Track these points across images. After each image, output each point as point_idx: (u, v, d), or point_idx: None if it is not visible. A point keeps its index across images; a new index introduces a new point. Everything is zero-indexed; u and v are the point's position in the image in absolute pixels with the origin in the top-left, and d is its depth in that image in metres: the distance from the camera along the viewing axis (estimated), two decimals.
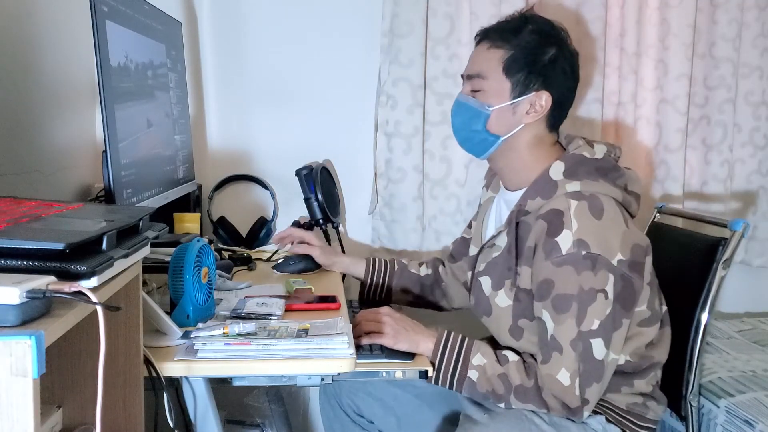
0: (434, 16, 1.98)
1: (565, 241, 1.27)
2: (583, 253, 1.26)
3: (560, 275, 1.27)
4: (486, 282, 1.44)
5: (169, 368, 1.11)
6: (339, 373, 1.15)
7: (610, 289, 1.27)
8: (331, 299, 1.44)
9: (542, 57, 1.38)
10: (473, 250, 1.56)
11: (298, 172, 1.98)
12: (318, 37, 2.04)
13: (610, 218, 1.29)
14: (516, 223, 1.38)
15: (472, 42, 1.97)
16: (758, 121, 2.17)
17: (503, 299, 1.39)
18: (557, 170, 1.37)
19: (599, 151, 1.40)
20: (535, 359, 1.32)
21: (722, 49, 2.09)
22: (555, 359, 1.27)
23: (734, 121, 2.14)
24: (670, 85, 2.07)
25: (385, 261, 1.74)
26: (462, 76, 1.48)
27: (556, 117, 1.43)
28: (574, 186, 1.33)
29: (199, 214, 1.88)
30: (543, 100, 1.39)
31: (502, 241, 1.41)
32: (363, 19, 2.03)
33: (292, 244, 1.78)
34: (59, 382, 1.02)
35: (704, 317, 1.49)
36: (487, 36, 1.43)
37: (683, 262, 1.50)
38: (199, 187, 1.99)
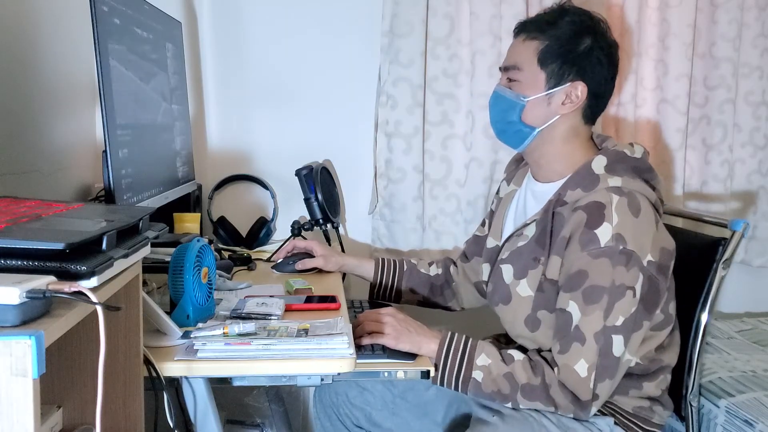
0: (434, 16, 1.98)
1: (604, 233, 1.27)
2: (621, 248, 1.26)
3: (595, 267, 1.27)
4: (508, 270, 1.43)
5: (169, 368, 1.10)
6: (339, 373, 1.15)
7: (638, 288, 1.27)
8: (331, 299, 1.44)
9: (577, 47, 1.38)
10: (491, 242, 1.56)
11: (298, 172, 1.98)
12: (318, 37, 2.04)
13: (645, 218, 1.30)
14: (552, 213, 1.37)
15: (472, 42, 1.99)
16: (758, 121, 2.17)
17: (525, 289, 1.39)
18: (599, 164, 1.36)
19: (638, 151, 1.40)
20: (543, 357, 1.32)
21: (722, 49, 2.09)
22: (575, 349, 1.27)
23: (734, 121, 2.14)
24: (670, 85, 2.07)
25: (395, 261, 1.73)
26: (500, 68, 1.48)
27: (593, 108, 1.43)
28: (615, 181, 1.33)
29: (199, 214, 1.88)
30: (578, 90, 1.38)
31: (530, 231, 1.41)
32: (363, 19, 2.03)
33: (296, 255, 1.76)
34: (59, 382, 1.02)
35: (704, 317, 1.48)
36: (524, 28, 1.43)
37: (683, 262, 1.50)
38: (199, 187, 1.99)
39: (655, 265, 1.29)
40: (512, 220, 1.52)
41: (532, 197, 1.48)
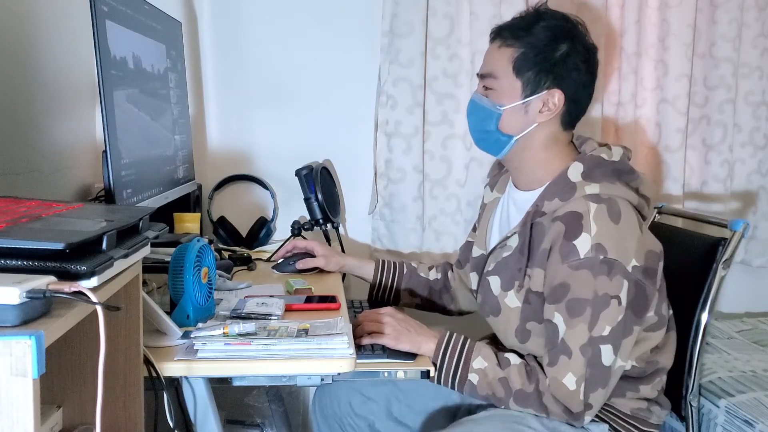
0: (434, 16, 1.98)
1: (583, 244, 1.25)
2: (601, 257, 1.24)
3: (576, 279, 1.25)
4: (495, 282, 1.42)
5: (169, 368, 1.10)
6: (339, 373, 1.15)
7: (623, 295, 1.26)
8: (331, 299, 1.44)
9: (553, 54, 1.35)
10: (476, 251, 1.55)
11: (298, 172, 1.98)
12: (318, 36, 2.04)
13: (627, 223, 1.28)
14: (530, 224, 1.35)
15: (472, 42, 1.99)
16: (758, 121, 2.17)
17: (513, 300, 1.38)
18: (575, 171, 1.34)
19: (616, 154, 1.38)
20: (539, 363, 1.32)
21: (722, 49, 2.09)
22: (562, 363, 1.26)
23: (734, 121, 2.14)
24: (670, 85, 2.07)
25: (395, 263, 1.73)
26: (477, 74, 1.46)
27: (572, 115, 1.40)
28: (593, 188, 1.31)
29: (199, 214, 1.88)
30: (555, 98, 1.36)
31: (514, 242, 1.39)
32: (363, 19, 2.03)
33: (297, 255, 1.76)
34: (59, 382, 1.02)
35: (704, 317, 1.48)
36: (499, 34, 1.40)
37: (683, 262, 1.50)
38: (199, 187, 1.99)
39: (641, 269, 1.28)
40: (497, 230, 1.50)
41: (513, 206, 1.46)
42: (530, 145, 1.40)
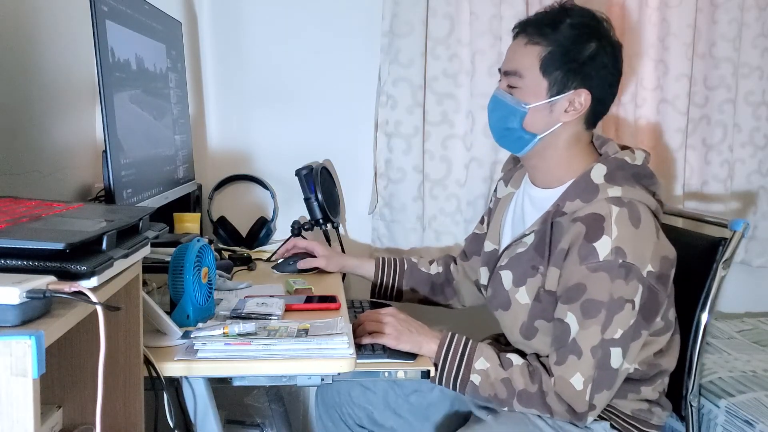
0: (434, 16, 1.98)
1: (603, 247, 1.25)
2: (620, 261, 1.24)
3: (594, 281, 1.25)
4: (507, 276, 1.41)
5: (169, 368, 1.11)
6: (339, 373, 1.15)
7: (637, 299, 1.26)
8: (331, 299, 1.44)
9: (581, 54, 1.33)
10: (489, 246, 1.55)
11: (298, 172, 1.98)
12: (318, 36, 2.04)
13: (646, 228, 1.27)
14: (550, 223, 1.35)
15: (472, 42, 1.99)
16: (758, 121, 2.17)
17: (524, 296, 1.37)
18: (599, 173, 1.33)
19: (639, 157, 1.37)
20: (542, 363, 1.31)
21: (722, 49, 2.09)
22: (571, 362, 1.26)
23: (734, 121, 2.14)
24: (670, 85, 2.07)
25: (395, 260, 1.72)
26: (499, 69, 1.43)
27: (596, 114, 1.39)
28: (615, 191, 1.30)
29: (199, 214, 1.88)
30: (582, 98, 1.34)
31: (529, 238, 1.39)
32: (363, 19, 2.03)
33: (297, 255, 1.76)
34: (59, 382, 1.02)
35: (704, 317, 1.48)
36: (524, 30, 1.38)
37: (683, 263, 1.50)
38: (199, 187, 1.99)
39: (655, 275, 1.28)
40: (510, 227, 1.50)
41: (529, 203, 1.45)
42: (553, 144, 1.39)
